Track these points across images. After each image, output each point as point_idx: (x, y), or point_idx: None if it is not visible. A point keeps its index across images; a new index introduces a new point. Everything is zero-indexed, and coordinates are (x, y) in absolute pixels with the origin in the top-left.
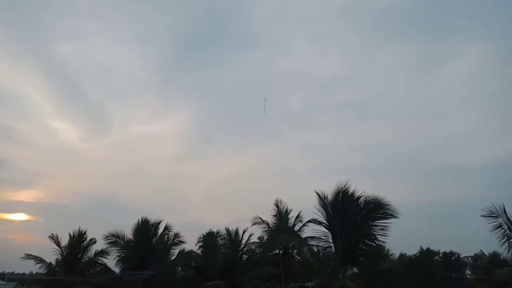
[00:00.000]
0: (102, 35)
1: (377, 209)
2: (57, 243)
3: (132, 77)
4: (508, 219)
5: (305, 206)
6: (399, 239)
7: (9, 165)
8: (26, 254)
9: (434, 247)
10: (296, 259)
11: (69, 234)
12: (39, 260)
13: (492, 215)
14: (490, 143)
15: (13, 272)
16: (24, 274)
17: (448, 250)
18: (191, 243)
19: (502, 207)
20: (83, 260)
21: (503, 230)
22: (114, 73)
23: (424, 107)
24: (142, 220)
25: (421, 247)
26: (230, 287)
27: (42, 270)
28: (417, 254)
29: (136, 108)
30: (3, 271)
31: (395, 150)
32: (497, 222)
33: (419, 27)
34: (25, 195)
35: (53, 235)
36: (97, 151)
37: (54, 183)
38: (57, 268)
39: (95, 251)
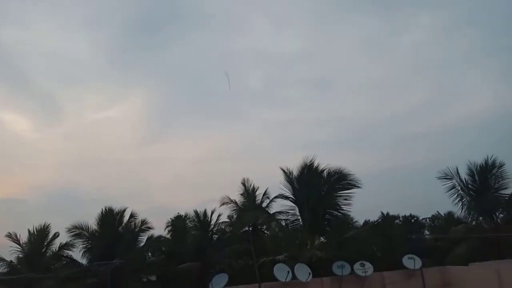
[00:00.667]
0: (47, 21)
1: (340, 180)
2: (16, 241)
3: (82, 62)
4: (461, 180)
5: (272, 183)
6: (363, 206)
7: None
8: None
9: (394, 212)
10: (266, 234)
11: (28, 230)
12: None
13: (446, 177)
14: (443, 110)
15: None
16: None
17: (408, 214)
18: (160, 229)
19: (455, 170)
20: (47, 255)
21: (457, 190)
22: (63, 60)
23: (382, 79)
24: (106, 209)
25: (382, 212)
26: (203, 267)
27: (2, 270)
28: (379, 220)
29: (89, 94)
30: None
31: (357, 123)
32: (451, 183)
33: (373, 0)
34: None
35: (10, 234)
36: (51, 141)
37: (7, 178)
38: (19, 266)
39: (60, 244)
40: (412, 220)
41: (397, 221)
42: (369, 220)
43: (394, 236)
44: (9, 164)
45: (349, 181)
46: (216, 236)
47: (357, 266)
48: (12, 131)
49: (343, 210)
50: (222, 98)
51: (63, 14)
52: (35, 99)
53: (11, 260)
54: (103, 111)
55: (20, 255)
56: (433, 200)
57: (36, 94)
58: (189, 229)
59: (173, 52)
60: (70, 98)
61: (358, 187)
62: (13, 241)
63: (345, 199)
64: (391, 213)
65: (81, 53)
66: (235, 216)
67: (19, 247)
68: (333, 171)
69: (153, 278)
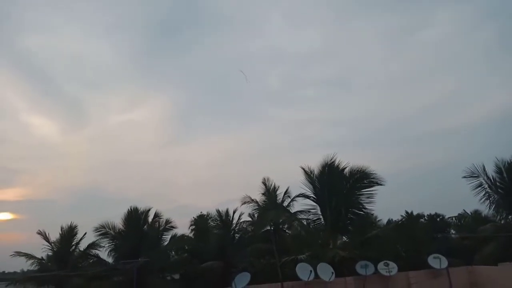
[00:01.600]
0: (71, 26)
1: (363, 179)
2: (46, 239)
3: (106, 66)
4: (488, 178)
5: (292, 182)
6: (386, 205)
7: None
8: (16, 252)
9: (420, 211)
10: (288, 234)
11: (61, 228)
12: (29, 257)
13: (473, 175)
14: (465, 107)
15: (3, 272)
16: (15, 273)
17: (433, 213)
18: (182, 228)
19: (482, 167)
20: (75, 253)
21: (484, 189)
22: (87, 64)
23: (401, 77)
24: (131, 209)
25: (406, 211)
26: (225, 266)
27: (34, 267)
28: (403, 219)
29: (112, 98)
30: None
31: (377, 122)
32: (478, 181)
33: None
34: (7, 194)
35: (41, 231)
36: (77, 144)
37: (36, 179)
38: (49, 264)
39: (87, 244)
40: (438, 219)
41: (422, 220)
42: (392, 219)
43: (419, 235)
44: (37, 166)
45: (372, 179)
46: (238, 235)
47: (381, 265)
48: (40, 134)
49: (366, 209)
50: (241, 98)
51: (86, 20)
52: (61, 103)
53: (41, 257)
54: (126, 114)
55: (50, 253)
56: (459, 199)
57: (62, 98)
58: (211, 228)
59: (193, 55)
60: (94, 101)
61: (381, 184)
62: (43, 238)
63: (368, 197)
64: (415, 212)
65: (104, 57)
66: (256, 215)
67: (49, 245)
68: (355, 169)
69: (177, 276)
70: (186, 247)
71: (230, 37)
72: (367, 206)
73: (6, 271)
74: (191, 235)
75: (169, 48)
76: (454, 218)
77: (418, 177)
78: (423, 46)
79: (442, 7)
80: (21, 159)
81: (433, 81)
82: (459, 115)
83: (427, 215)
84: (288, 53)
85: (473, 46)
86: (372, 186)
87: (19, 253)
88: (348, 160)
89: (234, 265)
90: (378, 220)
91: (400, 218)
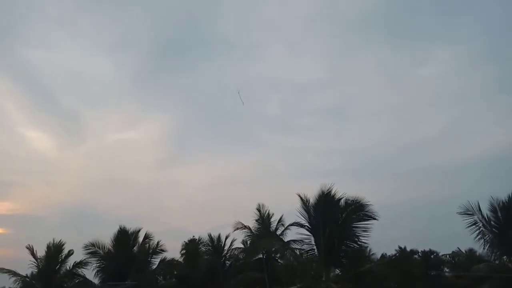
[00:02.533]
0: (74, 42)
1: (358, 210)
2: (33, 255)
3: (106, 83)
4: (482, 216)
5: (286, 210)
6: (380, 238)
7: None
8: (0, 268)
9: (413, 246)
10: (280, 263)
11: (47, 245)
12: (13, 273)
13: (467, 212)
14: (461, 142)
15: None
16: None
17: (427, 249)
18: (173, 251)
19: (477, 205)
20: (61, 272)
21: (478, 227)
22: (88, 80)
23: (399, 110)
24: (121, 229)
25: (399, 246)
26: None
27: (17, 285)
28: (397, 254)
29: (111, 115)
30: None
31: (373, 153)
32: (472, 219)
33: (392, 32)
34: None
35: (29, 246)
36: (72, 160)
37: (28, 194)
38: (33, 282)
39: (74, 262)
40: (432, 256)
41: (415, 256)
42: (386, 253)
43: (412, 272)
44: (31, 180)
45: (366, 212)
46: (229, 262)
47: None
48: (36, 148)
49: (360, 241)
50: (239, 122)
51: (89, 37)
52: (59, 118)
53: (26, 275)
54: (123, 132)
55: (35, 271)
56: (454, 236)
57: (61, 113)
58: (202, 253)
59: (193, 77)
60: (93, 118)
61: (375, 219)
62: (30, 254)
63: (363, 230)
64: (408, 247)
65: (105, 74)
66: (248, 242)
67: (35, 262)
68: (351, 200)
69: None
70: (175, 272)
71: (231, 62)
72: (362, 239)
73: None
74: (181, 259)
75: (170, 69)
76: (448, 256)
77: (412, 210)
78: (421, 81)
79: (440, 46)
80: (14, 172)
81: (429, 115)
82: (455, 149)
83: (421, 251)
84: (288, 80)
85: (469, 84)
86: (367, 220)
87: (1, 270)
88: (343, 190)
89: None
90: (372, 254)
91: (394, 253)
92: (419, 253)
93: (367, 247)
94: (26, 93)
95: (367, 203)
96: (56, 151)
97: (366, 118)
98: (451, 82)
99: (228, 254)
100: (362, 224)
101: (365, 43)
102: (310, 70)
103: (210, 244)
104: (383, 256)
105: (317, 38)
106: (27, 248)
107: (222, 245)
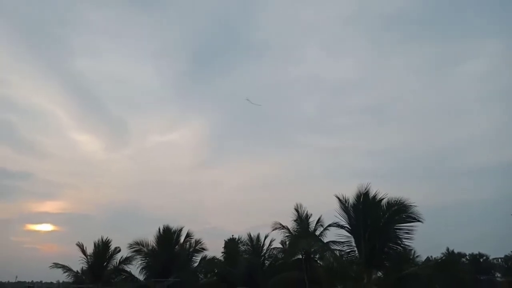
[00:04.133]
0: (118, 51)
1: (401, 212)
2: (83, 252)
3: (149, 89)
4: None
5: (324, 210)
6: (424, 240)
7: (33, 178)
8: (54, 263)
9: (460, 249)
10: (319, 264)
11: (94, 243)
12: (66, 269)
13: None
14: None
15: (41, 282)
16: (51, 283)
17: (476, 252)
18: (212, 249)
19: None
20: (108, 268)
21: None
22: (132, 86)
23: (439, 108)
24: (164, 227)
25: (447, 248)
26: None
27: (69, 279)
28: (443, 257)
29: (153, 119)
30: (32, 281)
31: (412, 153)
32: None
33: (431, 28)
34: (50, 206)
35: (79, 243)
36: (117, 162)
37: (78, 194)
38: (83, 277)
39: (120, 259)
40: (481, 260)
41: (463, 259)
42: (431, 256)
43: (460, 276)
44: (80, 181)
45: (410, 214)
46: (268, 261)
47: None
48: (84, 151)
49: (403, 244)
50: (276, 124)
51: (133, 45)
52: (106, 122)
53: (77, 271)
54: (165, 135)
55: (85, 267)
56: (506, 239)
57: (107, 118)
58: (241, 252)
59: (231, 80)
60: (136, 122)
61: (419, 221)
62: (81, 251)
63: (406, 232)
64: (456, 250)
65: (147, 80)
66: (287, 243)
67: (85, 258)
68: (393, 201)
69: None
70: (216, 270)
71: (267, 64)
72: (405, 241)
73: (44, 281)
74: (221, 258)
75: (208, 73)
76: (500, 260)
77: (460, 213)
78: (462, 79)
79: (484, 40)
80: (65, 174)
81: (473, 114)
82: (501, 151)
83: (469, 254)
84: (325, 81)
85: None
86: (410, 222)
87: (56, 265)
88: (384, 191)
89: None
90: (416, 256)
91: (440, 255)
92: (467, 257)
93: (411, 249)
94: (75, 99)
95: (411, 204)
96: (103, 154)
97: (406, 117)
98: (494, 78)
99: (267, 253)
100: (405, 226)
101: (402, 40)
102: (346, 70)
103: (249, 243)
104: (428, 259)
105: (353, 38)
106: (77, 245)
107: (261, 244)
